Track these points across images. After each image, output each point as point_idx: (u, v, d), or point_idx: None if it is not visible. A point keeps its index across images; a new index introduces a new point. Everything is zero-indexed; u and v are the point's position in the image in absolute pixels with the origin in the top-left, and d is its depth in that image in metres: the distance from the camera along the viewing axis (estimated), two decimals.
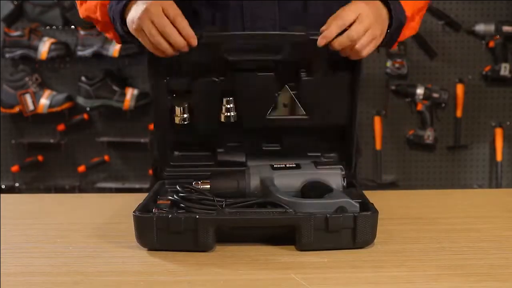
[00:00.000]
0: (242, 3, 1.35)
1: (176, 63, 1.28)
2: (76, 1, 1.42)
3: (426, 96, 3.45)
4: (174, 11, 1.18)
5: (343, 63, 1.26)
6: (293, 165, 1.22)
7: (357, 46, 1.17)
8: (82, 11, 1.39)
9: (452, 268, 0.96)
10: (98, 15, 1.33)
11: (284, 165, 1.22)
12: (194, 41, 1.18)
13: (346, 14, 1.17)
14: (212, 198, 1.10)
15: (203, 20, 1.36)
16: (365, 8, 1.18)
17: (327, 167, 1.22)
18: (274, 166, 1.22)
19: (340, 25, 1.16)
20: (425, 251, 1.04)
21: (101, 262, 1.00)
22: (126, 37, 1.29)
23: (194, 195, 1.12)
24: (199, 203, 1.10)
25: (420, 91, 3.45)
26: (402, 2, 1.28)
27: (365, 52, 1.20)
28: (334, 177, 1.19)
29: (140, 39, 1.21)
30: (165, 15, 1.18)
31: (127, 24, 1.24)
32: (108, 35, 1.39)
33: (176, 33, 1.17)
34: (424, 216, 1.24)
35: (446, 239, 1.10)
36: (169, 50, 1.18)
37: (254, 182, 1.18)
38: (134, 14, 1.21)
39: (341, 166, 1.22)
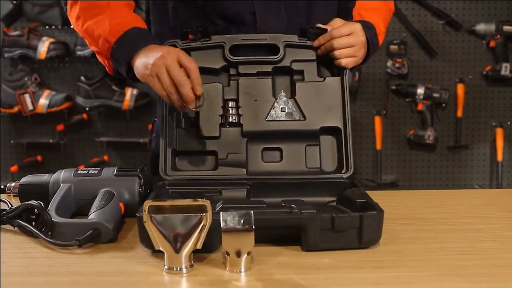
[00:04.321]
0: (256, 16, 1.39)
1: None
2: (69, 10, 1.41)
3: (427, 96, 3.45)
4: (189, 62, 1.22)
5: (334, 69, 1.39)
6: (95, 171, 1.24)
7: (336, 53, 1.35)
8: (79, 28, 1.38)
9: (453, 268, 0.96)
10: (99, 47, 1.34)
11: (87, 171, 1.24)
12: (200, 90, 1.22)
13: (342, 27, 1.36)
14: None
15: (220, 32, 1.39)
16: (359, 29, 1.38)
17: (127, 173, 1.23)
18: (78, 171, 1.24)
19: (333, 35, 1.35)
20: (426, 251, 1.04)
21: (101, 262, 1.00)
22: (125, 78, 1.34)
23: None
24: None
25: (420, 91, 3.45)
26: (376, 21, 1.44)
27: (344, 62, 1.36)
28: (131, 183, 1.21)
29: (150, 84, 1.23)
30: (180, 65, 1.22)
31: (136, 68, 1.27)
32: (101, 61, 1.40)
33: (188, 85, 1.20)
34: (424, 216, 1.24)
35: (446, 239, 1.10)
36: (177, 103, 1.23)
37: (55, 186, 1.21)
38: (146, 60, 1.23)
39: (139, 174, 1.22)
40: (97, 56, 1.40)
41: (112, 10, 1.35)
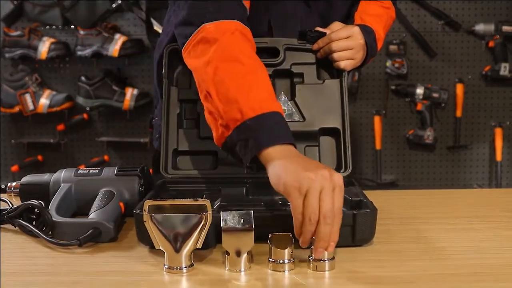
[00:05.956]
0: (273, 32, 1.39)
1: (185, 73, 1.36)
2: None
3: (426, 96, 3.45)
4: (339, 208, 0.96)
5: (333, 71, 1.40)
6: (96, 171, 1.24)
7: (335, 55, 1.36)
8: (207, 75, 1.15)
9: (452, 268, 0.96)
10: (225, 111, 1.11)
11: (87, 171, 1.24)
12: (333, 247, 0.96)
13: (340, 31, 1.37)
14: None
15: None
16: (357, 32, 1.38)
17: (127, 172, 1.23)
18: (78, 171, 1.24)
19: (332, 38, 1.36)
20: (425, 250, 1.04)
21: (101, 261, 1.00)
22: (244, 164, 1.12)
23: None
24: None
25: (419, 91, 3.45)
26: (376, 27, 1.45)
27: (343, 65, 1.37)
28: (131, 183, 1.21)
29: (289, 195, 0.98)
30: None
31: (272, 168, 1.03)
32: (209, 121, 1.17)
33: (330, 227, 0.94)
34: (424, 216, 1.24)
35: (446, 239, 1.10)
36: (307, 236, 0.96)
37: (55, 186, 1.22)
38: (298, 172, 0.98)
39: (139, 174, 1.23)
40: (207, 115, 1.17)
41: (254, 74, 1.15)
